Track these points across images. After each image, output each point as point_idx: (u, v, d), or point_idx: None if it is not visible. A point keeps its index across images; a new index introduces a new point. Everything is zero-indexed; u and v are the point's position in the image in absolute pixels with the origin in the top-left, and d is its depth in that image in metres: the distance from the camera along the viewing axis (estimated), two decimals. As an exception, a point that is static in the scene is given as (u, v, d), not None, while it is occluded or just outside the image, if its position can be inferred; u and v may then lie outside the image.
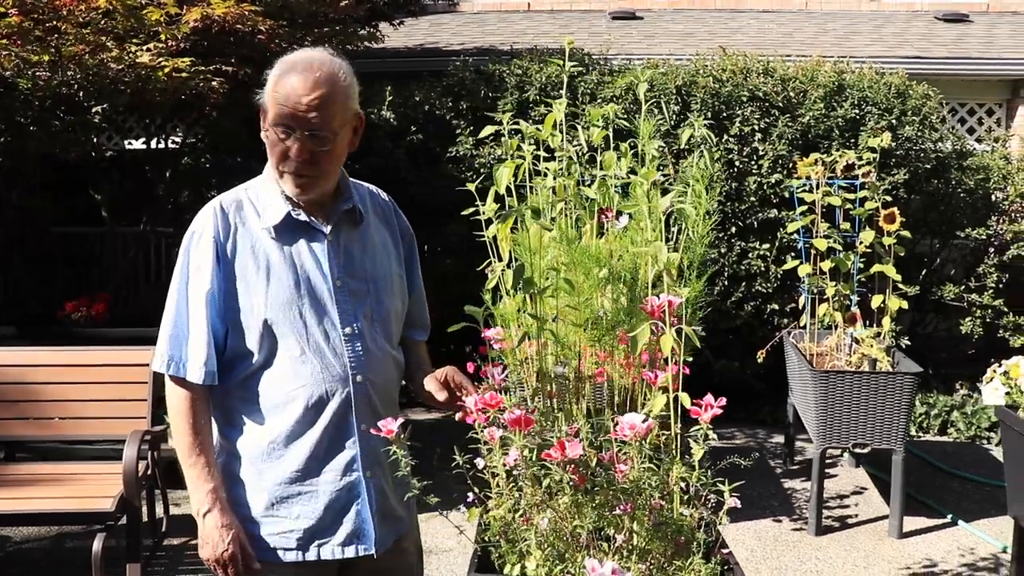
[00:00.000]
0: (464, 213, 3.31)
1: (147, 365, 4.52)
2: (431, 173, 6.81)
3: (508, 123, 3.37)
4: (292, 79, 1.87)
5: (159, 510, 4.84)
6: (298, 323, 1.96)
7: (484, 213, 3.34)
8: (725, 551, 2.14)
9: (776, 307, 6.64)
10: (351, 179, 2.13)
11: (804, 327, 5.52)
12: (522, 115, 6.48)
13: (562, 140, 3.19)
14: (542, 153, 3.29)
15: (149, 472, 4.47)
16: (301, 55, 1.94)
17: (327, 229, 2.01)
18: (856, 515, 5.21)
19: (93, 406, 4.56)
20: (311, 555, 2.05)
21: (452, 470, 2.06)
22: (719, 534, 2.21)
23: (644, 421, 2.03)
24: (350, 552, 2.07)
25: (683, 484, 2.27)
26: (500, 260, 3.46)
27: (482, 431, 2.00)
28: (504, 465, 2.00)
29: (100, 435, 4.68)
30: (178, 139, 7.68)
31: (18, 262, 7.52)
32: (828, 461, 5.97)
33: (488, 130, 3.39)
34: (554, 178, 3.12)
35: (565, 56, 3.58)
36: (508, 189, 3.28)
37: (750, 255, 6.53)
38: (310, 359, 1.96)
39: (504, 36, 9.01)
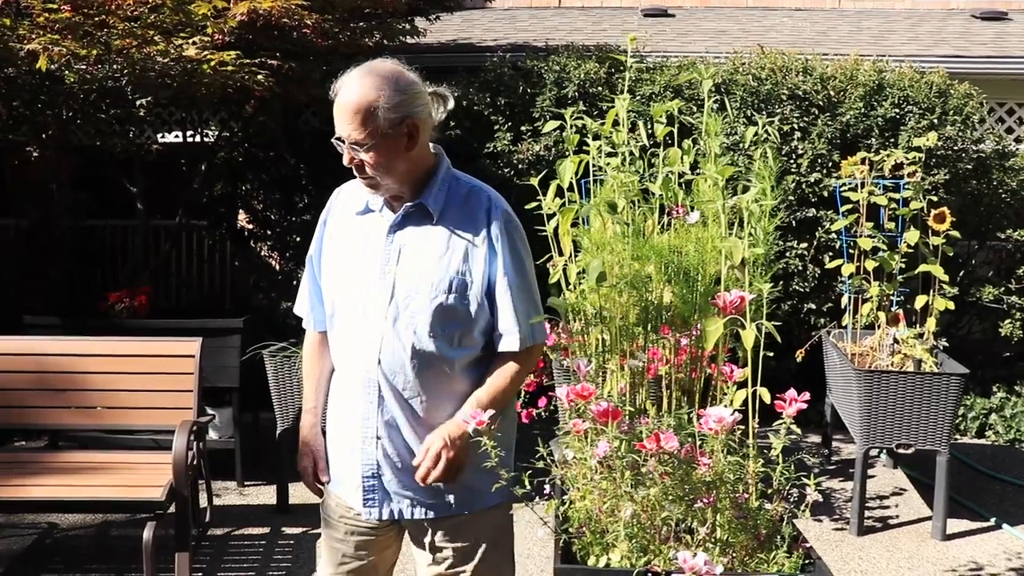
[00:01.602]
0: (530, 207, 3.34)
1: (192, 356, 4.55)
2: (469, 169, 6.80)
3: (572, 118, 3.40)
4: (338, 96, 2.12)
5: (203, 500, 4.87)
6: (348, 297, 2.22)
7: (546, 208, 3.37)
8: (806, 545, 2.15)
9: (813, 306, 6.63)
10: (462, 178, 2.28)
11: (845, 327, 5.51)
12: (559, 113, 6.46)
13: (625, 136, 3.21)
14: (604, 148, 3.30)
15: (195, 462, 4.49)
16: (352, 72, 2.14)
17: (394, 220, 2.19)
18: (897, 516, 5.20)
19: (138, 396, 4.59)
20: (336, 490, 2.32)
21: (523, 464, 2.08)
22: (796, 528, 2.22)
23: (732, 415, 2.04)
24: (357, 506, 2.26)
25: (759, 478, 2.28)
26: (561, 255, 3.48)
27: (569, 422, 2.01)
28: (594, 456, 2.01)
29: (144, 425, 4.70)
30: (213, 132, 7.73)
31: (58, 254, 7.57)
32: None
33: (552, 124, 3.42)
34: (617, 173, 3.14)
35: (628, 52, 3.60)
36: (566, 185, 3.31)
37: (788, 254, 6.51)
38: (351, 330, 2.21)
39: (537, 32, 9.01)
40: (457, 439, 2.12)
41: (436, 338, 2.13)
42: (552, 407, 4.17)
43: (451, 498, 2.21)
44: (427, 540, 2.24)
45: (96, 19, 5.23)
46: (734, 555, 2.10)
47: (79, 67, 5.33)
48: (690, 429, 2.37)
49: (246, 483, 5.43)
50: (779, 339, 2.37)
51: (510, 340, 2.19)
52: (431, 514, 2.22)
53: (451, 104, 2.30)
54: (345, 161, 2.13)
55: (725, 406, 2.26)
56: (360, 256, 2.21)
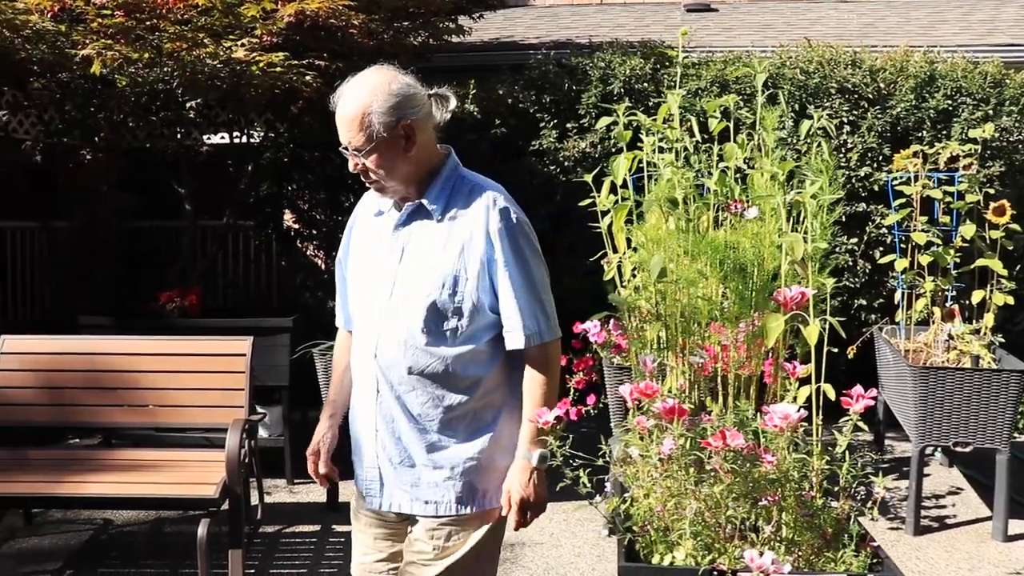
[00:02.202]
0: (584, 203, 3.32)
1: (244, 355, 4.58)
2: (514, 166, 6.82)
3: (624, 114, 3.37)
4: (337, 106, 2.19)
5: (254, 498, 4.91)
6: (363, 297, 2.31)
7: (600, 204, 3.35)
8: (874, 544, 2.11)
9: (864, 302, 6.53)
10: (468, 177, 2.29)
11: (898, 323, 5.42)
12: (605, 109, 6.44)
13: (679, 132, 3.18)
14: (657, 144, 3.28)
15: (246, 460, 4.53)
16: (348, 81, 2.20)
17: (398, 219, 2.26)
18: (955, 516, 5.10)
19: (190, 394, 4.62)
20: (357, 482, 2.38)
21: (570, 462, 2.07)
22: (863, 526, 2.18)
23: (797, 411, 2.01)
24: (367, 499, 2.32)
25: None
26: (615, 251, 3.47)
27: (633, 419, 1.99)
28: (659, 453, 1.99)
29: (196, 423, 4.75)
30: (258, 133, 7.80)
31: (105, 255, 7.70)
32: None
33: (604, 121, 3.40)
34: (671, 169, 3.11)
35: (679, 46, 3.57)
36: (619, 181, 3.29)
37: (838, 249, 6.42)
38: (361, 325, 2.31)
39: (579, 30, 8.98)
40: (527, 482, 2.16)
41: (429, 334, 2.18)
42: (601, 404, 4.15)
43: (450, 497, 2.23)
44: (415, 532, 2.27)
45: (148, 23, 5.31)
46: (800, 554, 2.07)
47: (131, 71, 5.40)
48: (752, 426, 2.34)
49: (296, 481, 5.47)
50: (843, 334, 2.32)
51: (514, 337, 2.20)
52: (429, 511, 2.24)
53: (453, 104, 2.31)
54: (350, 167, 2.20)
55: (789, 403, 2.22)
56: (373, 257, 2.31)
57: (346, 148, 2.18)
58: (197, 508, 4.10)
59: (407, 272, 2.22)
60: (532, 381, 2.21)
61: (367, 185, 2.26)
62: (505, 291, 2.18)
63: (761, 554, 1.85)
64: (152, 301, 5.96)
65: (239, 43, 5.34)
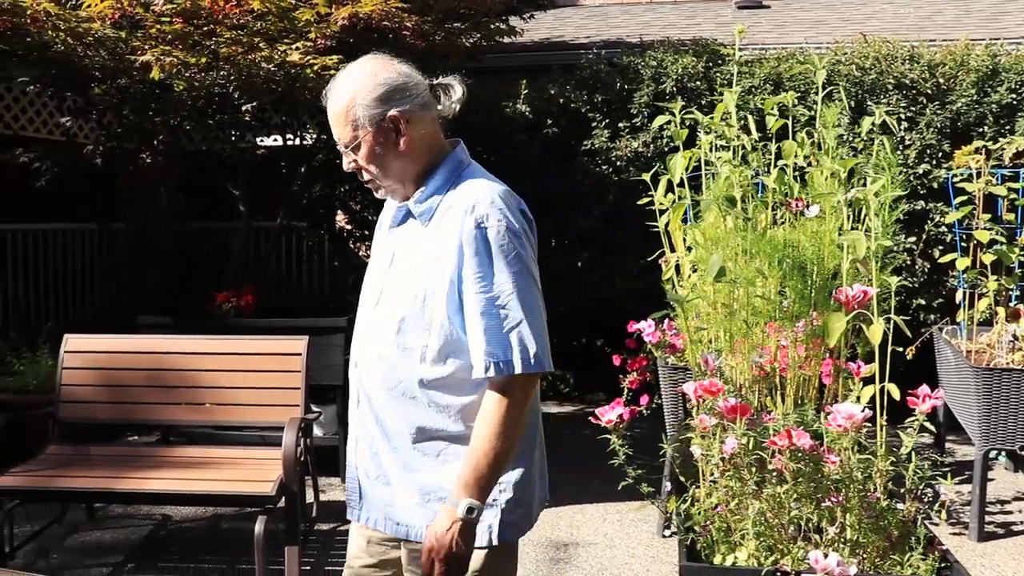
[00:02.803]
0: (642, 202, 3.31)
1: (300, 354, 4.63)
2: (566, 167, 6.82)
3: (680, 112, 3.35)
4: (326, 101, 2.06)
5: (309, 496, 4.95)
6: (361, 300, 2.17)
7: (658, 203, 3.33)
8: (942, 547, 2.07)
9: (923, 302, 6.41)
10: (468, 177, 2.03)
11: (959, 323, 5.30)
12: (657, 108, 6.42)
13: (736, 129, 3.15)
14: (715, 142, 3.25)
15: (302, 458, 4.57)
16: (336, 76, 2.07)
17: (392, 223, 2.13)
18: (1020, 522, 4.98)
19: (246, 393, 4.67)
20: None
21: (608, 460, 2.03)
22: (930, 529, 2.13)
23: (862, 411, 1.97)
24: (348, 508, 2.20)
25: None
26: (672, 250, 3.44)
27: (696, 417, 1.97)
28: (721, 452, 1.96)
29: (253, 421, 4.80)
30: (311, 135, 7.88)
31: (158, 257, 7.84)
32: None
33: (660, 120, 3.37)
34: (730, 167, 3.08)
35: (736, 43, 3.54)
36: (677, 180, 3.26)
37: (896, 248, 6.31)
38: (356, 330, 2.17)
39: (630, 28, 8.94)
40: (447, 532, 1.86)
41: (400, 349, 1.98)
42: (654, 405, 4.13)
43: (421, 524, 2.00)
44: (403, 559, 2.10)
45: (205, 29, 5.39)
46: (865, 556, 2.03)
47: (188, 75, 5.50)
48: (814, 426, 2.30)
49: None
50: (909, 333, 2.28)
51: (477, 365, 1.91)
52: (402, 533, 2.06)
53: (459, 93, 2.06)
54: (344, 166, 2.06)
55: (852, 403, 2.18)
56: (372, 259, 2.20)
57: (339, 147, 2.05)
58: (254, 505, 4.14)
59: (393, 279, 2.05)
60: (484, 419, 1.90)
61: (364, 184, 2.09)
62: (471, 310, 1.91)
63: (826, 555, 1.82)
64: (208, 301, 6.05)
65: (294, 47, 5.40)
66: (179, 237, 7.99)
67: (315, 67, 5.32)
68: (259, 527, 3.97)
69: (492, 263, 1.90)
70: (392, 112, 1.97)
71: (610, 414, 1.87)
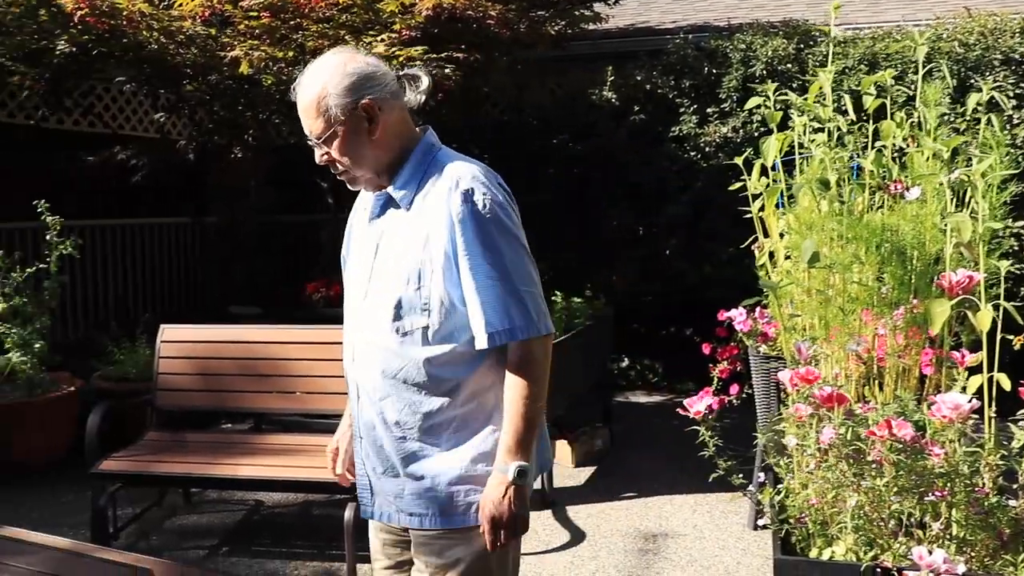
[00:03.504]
0: (733, 188, 3.23)
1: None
2: (654, 153, 6.73)
3: (773, 94, 3.25)
4: (295, 95, 2.04)
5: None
6: (347, 294, 2.16)
7: (751, 188, 3.24)
8: (1058, 547, 1.95)
9: (1033, 288, 6.13)
10: (444, 160, 2.04)
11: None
12: (746, 92, 6.27)
13: (831, 111, 3.03)
14: (809, 124, 3.14)
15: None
16: (305, 69, 2.05)
17: (371, 213, 2.11)
18: None
19: (335, 382, 4.71)
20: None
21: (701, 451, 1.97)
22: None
23: (969, 402, 1.87)
24: (361, 506, 2.17)
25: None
26: (767, 236, 3.35)
27: (791, 407, 1.90)
28: (817, 443, 1.89)
29: (342, 410, 4.85)
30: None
31: (250, 248, 8.02)
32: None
33: (752, 102, 3.28)
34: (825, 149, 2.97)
35: (831, 22, 3.41)
36: (770, 163, 3.17)
37: (1002, 232, 6.03)
38: (346, 326, 2.15)
39: (717, 12, 8.75)
40: (503, 498, 1.92)
41: (398, 334, 1.98)
42: (745, 394, 4.02)
43: (434, 510, 2.02)
44: (413, 550, 2.10)
45: (291, 23, 5.47)
46: (973, 555, 1.93)
47: (276, 69, 5.59)
48: (916, 417, 2.20)
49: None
50: (1020, 320, 2.16)
51: (478, 338, 1.95)
52: (415, 523, 2.05)
53: (425, 83, 2.09)
54: (316, 159, 2.04)
55: (958, 392, 2.08)
56: (354, 253, 2.17)
57: (310, 140, 2.02)
58: (344, 492, 4.18)
59: (380, 270, 2.03)
60: (510, 386, 1.95)
61: (338, 177, 2.08)
62: (467, 283, 1.93)
63: (930, 552, 1.74)
64: (298, 291, 6.16)
65: (379, 38, 5.44)
66: (267, 230, 8.17)
67: (400, 58, 5.35)
68: (348, 513, 4.01)
69: (483, 235, 1.93)
70: (364, 100, 1.96)
71: (698, 405, 1.82)
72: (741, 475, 2.13)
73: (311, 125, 1.98)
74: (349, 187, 2.10)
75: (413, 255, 1.97)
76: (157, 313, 7.50)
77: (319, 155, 2.02)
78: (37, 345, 5.27)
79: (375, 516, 2.13)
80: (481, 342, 1.94)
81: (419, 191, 2.00)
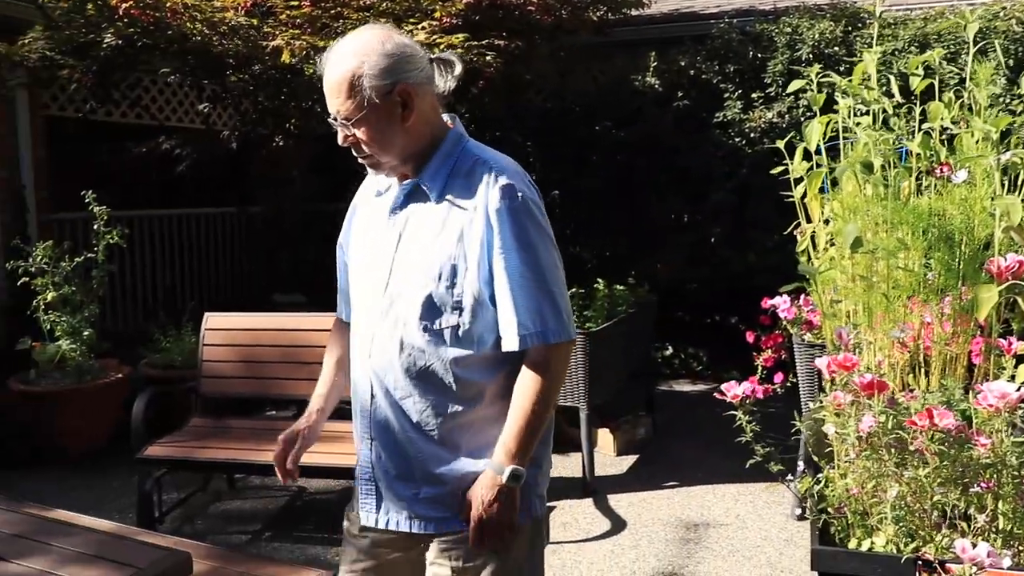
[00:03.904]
0: (775, 172, 3.17)
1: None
2: (698, 139, 6.65)
3: (816, 76, 3.18)
4: (324, 69, 1.90)
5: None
6: (359, 287, 2.04)
7: (793, 172, 3.17)
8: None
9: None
10: (473, 151, 1.96)
11: None
12: (792, 77, 6.17)
13: (877, 92, 2.96)
14: (854, 107, 3.07)
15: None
16: (338, 41, 1.91)
17: (394, 202, 1.98)
18: None
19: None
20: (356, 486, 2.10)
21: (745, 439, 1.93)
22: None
23: (1017, 390, 1.81)
24: (362, 513, 2.02)
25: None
26: (809, 221, 3.28)
27: (828, 395, 1.86)
28: (857, 432, 1.85)
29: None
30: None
31: (294, 237, 8.09)
32: None
33: (796, 84, 3.22)
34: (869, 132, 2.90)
35: (877, 2, 3.33)
36: (813, 147, 3.10)
37: (1056, 219, 5.87)
38: (357, 321, 2.03)
39: (763, -5, 8.62)
40: (493, 500, 1.85)
41: (427, 332, 1.88)
42: (790, 383, 3.96)
43: (454, 512, 1.93)
44: (429, 556, 1.98)
45: (332, 12, 5.49)
46: (1021, 548, 1.88)
47: (317, 58, 5.62)
48: (961, 406, 2.14)
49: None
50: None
51: (508, 339, 1.87)
52: (431, 528, 1.95)
53: (458, 69, 1.96)
54: (340, 140, 1.92)
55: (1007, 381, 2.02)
56: (370, 245, 2.02)
57: (334, 118, 1.89)
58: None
59: (403, 262, 1.92)
60: (524, 387, 1.87)
61: (360, 159, 1.96)
62: (500, 282, 1.85)
63: (974, 545, 1.69)
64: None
65: (419, 26, 5.44)
66: (311, 218, 8.22)
67: (441, 46, 5.33)
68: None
69: (520, 232, 1.86)
70: (402, 84, 1.85)
71: (736, 389, 1.78)
72: (781, 464, 2.09)
73: (340, 104, 1.85)
74: (371, 172, 2.00)
75: (445, 250, 1.87)
76: (203, 302, 7.61)
77: (343, 136, 1.90)
78: (86, 333, 5.38)
79: (379, 523, 1.98)
80: (511, 343, 1.87)
81: (449, 182, 1.91)
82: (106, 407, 5.40)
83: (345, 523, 2.10)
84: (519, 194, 1.87)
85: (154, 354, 5.86)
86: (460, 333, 1.87)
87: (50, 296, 5.31)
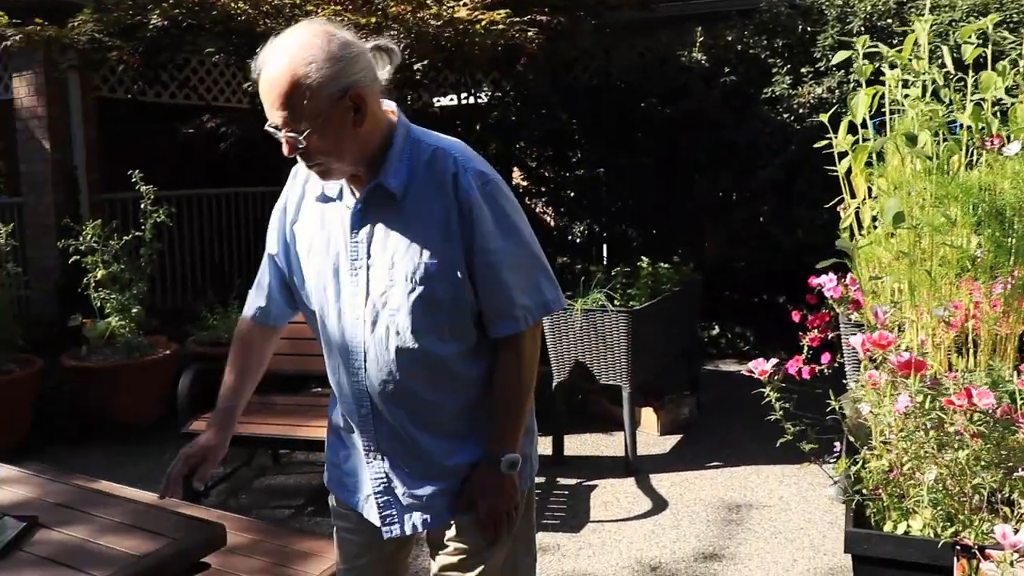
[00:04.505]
0: (818, 145, 3.09)
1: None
2: (746, 115, 6.53)
3: (863, 47, 3.09)
4: (260, 76, 1.71)
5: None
6: (324, 300, 1.90)
7: (837, 146, 3.09)
8: None
9: None
10: (424, 140, 1.84)
11: None
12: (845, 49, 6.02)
13: (927, 63, 2.86)
14: (902, 78, 2.97)
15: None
16: (272, 43, 1.71)
17: (355, 207, 1.85)
18: None
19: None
20: (342, 496, 2.05)
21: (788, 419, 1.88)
22: None
23: (1064, 370, 1.74)
24: (374, 520, 1.97)
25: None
26: (853, 197, 3.20)
27: (863, 374, 1.81)
28: (892, 412, 1.79)
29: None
30: (485, 93, 7.92)
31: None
32: None
33: (841, 55, 3.12)
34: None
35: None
36: (859, 120, 3.01)
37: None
38: (332, 337, 1.91)
39: (815, -32, 8.42)
40: (499, 491, 1.87)
41: (421, 334, 1.80)
42: (837, 363, 3.88)
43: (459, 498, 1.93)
44: (452, 537, 1.97)
45: (374, -11, 5.49)
46: (1065, 534, 1.81)
47: (359, 36, 5.62)
48: (1009, 388, 2.07)
49: (522, 434, 5.52)
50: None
51: (507, 322, 1.82)
52: (448, 516, 1.93)
53: (397, 58, 1.83)
54: (285, 151, 1.74)
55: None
56: (327, 253, 1.89)
57: (276, 127, 1.71)
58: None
59: (380, 268, 1.81)
60: (511, 367, 1.86)
61: (309, 168, 1.80)
62: (491, 270, 1.79)
63: (1016, 531, 1.63)
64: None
65: (460, 3, 5.42)
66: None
67: (483, 22, 5.31)
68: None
69: (501, 219, 1.80)
70: (353, 89, 1.69)
71: (763, 365, 1.74)
72: (816, 444, 2.04)
73: (282, 114, 1.68)
74: (320, 180, 1.84)
75: (423, 248, 1.78)
76: (249, 279, 7.69)
77: (287, 147, 1.72)
78: (135, 310, 5.47)
79: (406, 532, 1.94)
80: (516, 326, 1.83)
81: (411, 178, 1.79)
82: (154, 383, 5.49)
83: (338, 522, 2.07)
84: (488, 178, 1.80)
85: (201, 331, 5.94)
86: (453, 329, 1.82)
87: (100, 274, 5.42)
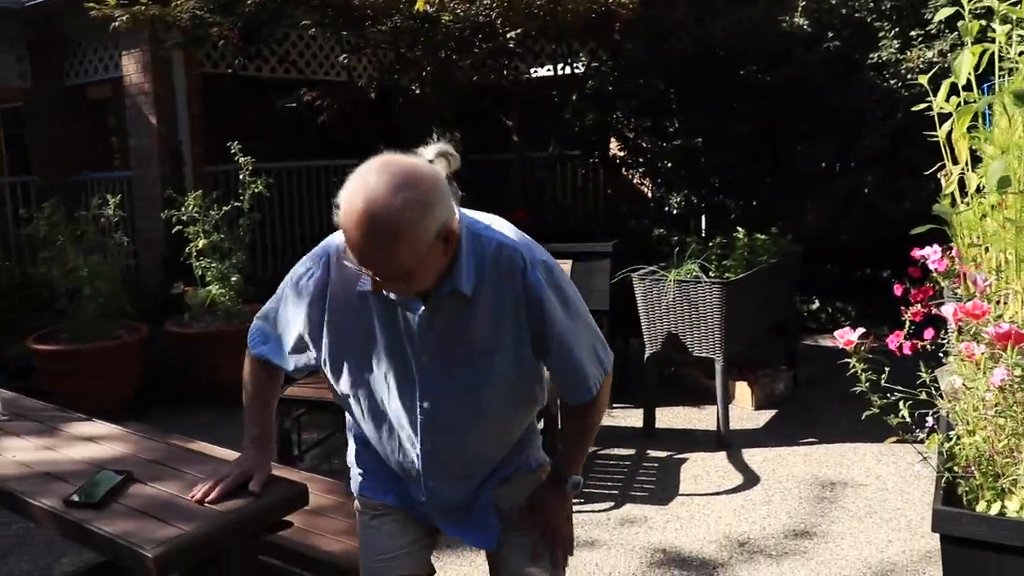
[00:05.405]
0: (917, 108, 2.94)
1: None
2: (850, 81, 6.28)
3: (971, 2, 2.91)
4: (353, 238, 1.63)
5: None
6: (385, 390, 1.93)
7: (937, 107, 2.93)
8: None
9: None
10: (483, 234, 1.81)
11: None
12: (957, 13, 5.71)
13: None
14: (1012, 33, 2.79)
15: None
16: (359, 206, 1.60)
17: (421, 309, 1.80)
18: None
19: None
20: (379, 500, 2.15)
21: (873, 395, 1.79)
22: None
23: None
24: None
25: None
26: (955, 163, 3.03)
27: (958, 345, 1.71)
28: (988, 386, 1.70)
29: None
30: (582, 64, 7.84)
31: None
32: None
33: (943, 13, 2.95)
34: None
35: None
36: (962, 80, 2.85)
37: None
38: (387, 418, 1.97)
39: (929, -75, 8.01)
40: (566, 512, 2.10)
41: (497, 411, 1.91)
42: (940, 340, 3.71)
43: (497, 530, 2.09)
44: (507, 552, 2.13)
45: (467, -42, 5.47)
46: None
47: (452, 6, 5.62)
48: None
49: (614, 405, 5.49)
50: None
51: (582, 392, 1.95)
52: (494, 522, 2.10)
53: (457, 162, 1.77)
54: (371, 288, 1.72)
55: None
56: (383, 343, 1.87)
57: (374, 276, 1.68)
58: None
59: (448, 360, 1.84)
60: (587, 411, 1.99)
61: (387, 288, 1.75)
62: (565, 351, 1.87)
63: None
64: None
65: (555, -32, 5.36)
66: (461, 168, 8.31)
67: (573, -11, 5.25)
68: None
69: (567, 303, 1.86)
70: (446, 227, 1.67)
71: (849, 335, 1.67)
72: (909, 419, 1.95)
73: (389, 271, 1.66)
74: (375, 290, 1.75)
75: (496, 339, 1.82)
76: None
77: (375, 285, 1.71)
78: (234, 278, 5.64)
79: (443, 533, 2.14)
80: (588, 394, 1.96)
81: (479, 277, 1.78)
82: (254, 348, 5.65)
83: (369, 512, 2.15)
84: (551, 268, 1.83)
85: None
86: (525, 399, 1.95)
87: (201, 243, 5.59)
